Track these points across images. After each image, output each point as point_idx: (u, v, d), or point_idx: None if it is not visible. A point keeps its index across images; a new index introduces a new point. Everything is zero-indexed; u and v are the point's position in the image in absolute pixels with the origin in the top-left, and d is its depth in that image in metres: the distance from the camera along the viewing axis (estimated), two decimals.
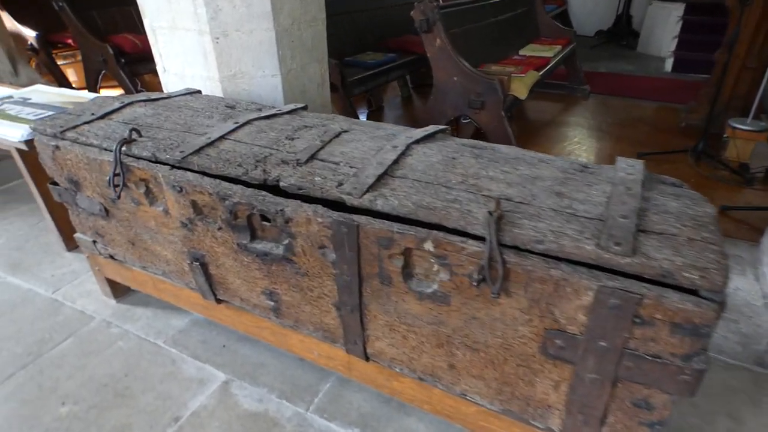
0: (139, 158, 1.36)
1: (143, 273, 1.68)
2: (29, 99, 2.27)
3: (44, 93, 2.37)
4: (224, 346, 1.70)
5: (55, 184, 1.64)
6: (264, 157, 1.24)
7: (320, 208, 1.08)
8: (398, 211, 1.00)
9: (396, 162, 1.16)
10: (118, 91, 4.93)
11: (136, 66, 4.12)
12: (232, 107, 1.68)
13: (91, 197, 1.56)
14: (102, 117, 1.56)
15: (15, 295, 2.01)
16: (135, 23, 4.46)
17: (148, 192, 1.40)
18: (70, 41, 4.51)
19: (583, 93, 4.77)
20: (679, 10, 5.88)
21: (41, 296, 2.00)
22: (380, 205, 1.02)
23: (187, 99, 1.79)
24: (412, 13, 2.67)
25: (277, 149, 1.28)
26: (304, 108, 1.69)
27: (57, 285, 2.06)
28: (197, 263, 1.41)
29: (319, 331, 1.32)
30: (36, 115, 2.04)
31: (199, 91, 1.96)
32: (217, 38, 2.13)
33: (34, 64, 4.52)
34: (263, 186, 1.18)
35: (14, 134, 1.86)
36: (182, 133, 1.43)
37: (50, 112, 2.07)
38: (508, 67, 3.36)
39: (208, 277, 1.43)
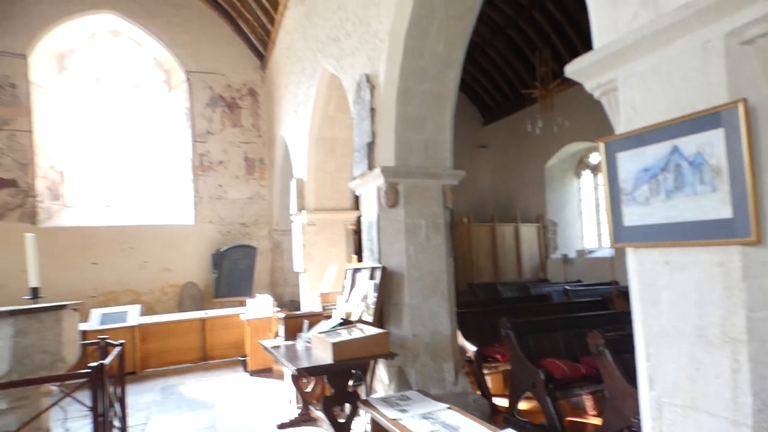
0: None
1: None
2: None
3: None
4: None
5: None
6: None
7: None
8: None
9: None
10: (529, 403, 4.70)
11: (555, 391, 3.86)
12: None
13: None
14: None
15: None
16: (560, 349, 4.39)
17: None
18: (497, 356, 4.76)
19: None
20: None
21: None
22: None
23: None
24: None
25: None
26: None
27: None
28: None
29: None
30: None
31: None
32: None
33: (465, 371, 4.87)
34: None
35: None
36: None
37: None
38: None
39: None
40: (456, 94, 4.56)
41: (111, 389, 3.30)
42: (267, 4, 8.41)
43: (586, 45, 8.35)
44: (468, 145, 11.45)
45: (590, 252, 10.32)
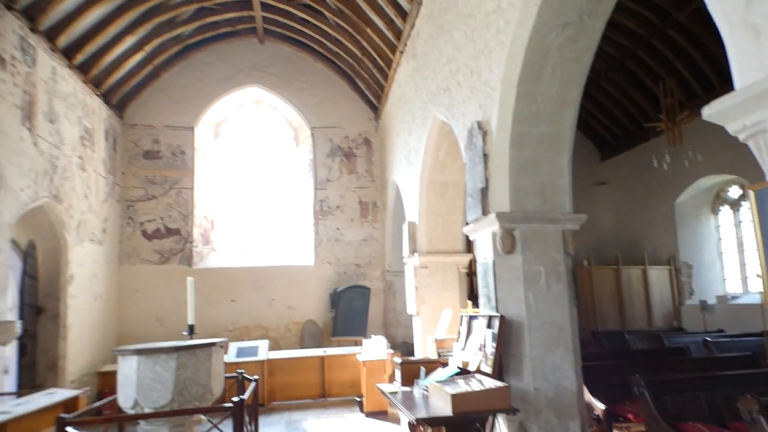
0: None
1: None
2: None
3: None
4: None
5: None
6: None
7: None
8: None
9: None
10: None
11: None
12: None
13: None
14: None
15: None
16: (704, 412, 3.81)
17: None
18: (630, 416, 4.26)
19: None
20: None
21: None
22: None
23: None
24: None
25: None
26: None
27: None
28: None
29: None
30: None
31: None
32: None
33: (593, 430, 4.42)
34: None
35: None
36: None
37: None
38: None
39: None
40: (573, 135, 4.39)
41: (246, 419, 3.57)
42: (381, 63, 9.00)
43: (717, 72, 7.56)
44: (585, 182, 10.76)
45: (734, 298, 8.91)
